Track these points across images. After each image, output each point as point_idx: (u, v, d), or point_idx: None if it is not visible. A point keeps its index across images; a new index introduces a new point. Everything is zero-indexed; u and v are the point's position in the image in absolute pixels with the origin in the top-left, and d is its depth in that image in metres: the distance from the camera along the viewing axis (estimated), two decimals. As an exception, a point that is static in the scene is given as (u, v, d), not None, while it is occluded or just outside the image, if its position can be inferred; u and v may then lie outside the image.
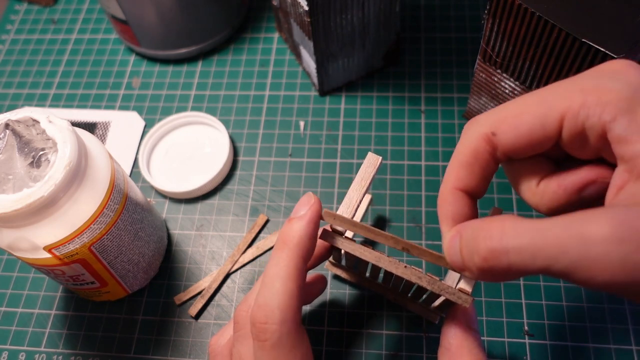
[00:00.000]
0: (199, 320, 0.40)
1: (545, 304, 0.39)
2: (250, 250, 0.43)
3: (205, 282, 0.41)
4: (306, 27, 0.43)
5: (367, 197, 0.42)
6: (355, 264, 0.37)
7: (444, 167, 0.45)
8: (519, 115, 0.24)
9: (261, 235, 0.44)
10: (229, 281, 0.42)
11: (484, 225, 0.22)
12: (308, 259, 0.29)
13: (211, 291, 0.41)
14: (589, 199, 0.24)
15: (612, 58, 0.30)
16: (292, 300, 0.27)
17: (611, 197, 0.22)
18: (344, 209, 0.31)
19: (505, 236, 0.21)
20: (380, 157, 0.32)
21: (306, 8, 0.41)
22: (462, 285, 0.28)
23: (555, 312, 0.38)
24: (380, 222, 0.43)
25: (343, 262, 0.39)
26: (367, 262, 0.33)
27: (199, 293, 0.41)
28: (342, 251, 0.35)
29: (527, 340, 0.38)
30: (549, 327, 0.38)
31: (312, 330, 0.39)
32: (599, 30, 0.31)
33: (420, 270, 0.29)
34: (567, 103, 0.23)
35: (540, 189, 0.25)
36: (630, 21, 0.31)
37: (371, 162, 0.32)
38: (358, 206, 0.31)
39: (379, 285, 0.39)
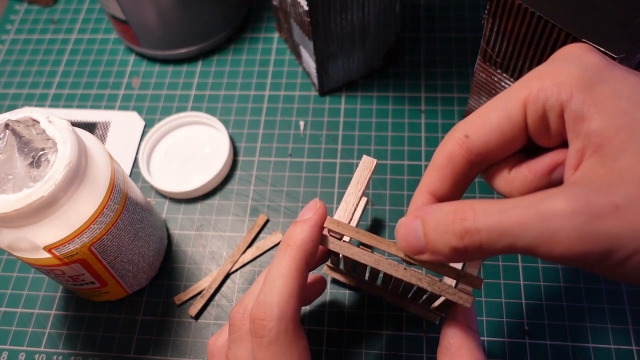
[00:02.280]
0: (199, 320, 0.40)
1: (545, 304, 0.39)
2: (250, 251, 0.43)
3: (205, 282, 0.41)
4: (306, 27, 0.43)
5: (363, 200, 0.42)
6: (353, 268, 0.37)
7: (444, 167, 0.45)
8: (487, 113, 0.25)
9: (261, 235, 0.44)
10: (229, 281, 0.42)
11: (457, 207, 0.23)
12: (310, 260, 0.29)
13: (211, 291, 0.41)
14: (559, 181, 0.25)
15: (612, 58, 0.30)
16: (292, 299, 0.27)
17: (568, 176, 0.23)
18: (342, 213, 0.31)
19: (477, 217, 0.22)
20: (375, 160, 0.32)
21: (306, 8, 0.41)
22: (463, 285, 0.28)
23: (555, 312, 0.38)
24: (380, 222, 0.43)
25: (341, 266, 0.38)
26: (365, 265, 0.33)
27: (199, 293, 0.41)
28: (340, 255, 0.35)
29: (527, 340, 0.38)
30: (549, 327, 0.38)
31: (312, 330, 0.39)
32: (598, 30, 0.31)
33: (420, 271, 0.29)
34: (527, 90, 0.24)
35: (511, 176, 0.26)
36: (630, 21, 0.31)
37: (366, 165, 0.32)
38: (355, 210, 0.31)
39: (377, 287, 0.39)
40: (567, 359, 0.37)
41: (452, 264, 0.28)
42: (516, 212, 0.22)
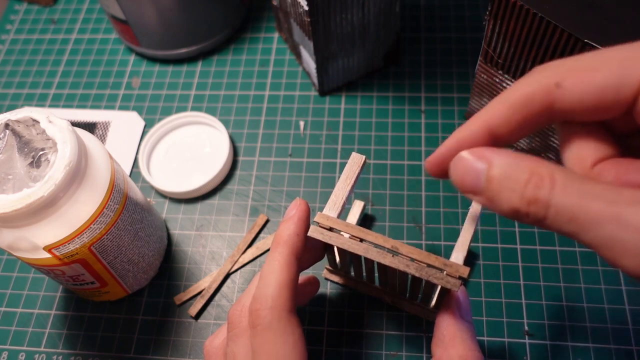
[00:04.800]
0: (199, 320, 0.40)
1: (545, 304, 0.39)
2: (250, 250, 0.43)
3: (205, 282, 0.41)
4: (306, 27, 0.43)
5: (361, 204, 0.42)
6: (349, 265, 0.37)
7: (444, 167, 0.45)
8: (593, 70, 0.22)
9: (261, 235, 0.44)
10: (229, 281, 0.42)
11: (536, 169, 0.21)
12: (298, 253, 0.31)
13: (211, 291, 0.41)
14: None
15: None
16: (283, 289, 0.29)
17: None
18: (331, 206, 0.32)
19: (554, 190, 0.20)
20: (364, 156, 0.33)
21: (306, 8, 0.41)
22: (450, 270, 0.28)
23: (555, 312, 0.38)
24: (380, 223, 0.43)
25: (339, 267, 0.39)
26: (360, 262, 0.34)
27: (199, 293, 0.41)
28: (337, 258, 0.35)
29: (527, 340, 0.38)
30: (549, 327, 0.38)
31: (312, 330, 0.39)
32: (600, 30, 0.31)
33: (407, 257, 0.29)
34: None
35: (594, 173, 0.23)
36: (631, 21, 0.31)
37: (355, 161, 0.33)
38: (343, 204, 0.32)
39: (376, 288, 0.39)
40: (567, 359, 0.37)
41: (438, 256, 0.29)
42: (596, 205, 0.19)
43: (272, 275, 0.29)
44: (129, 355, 0.39)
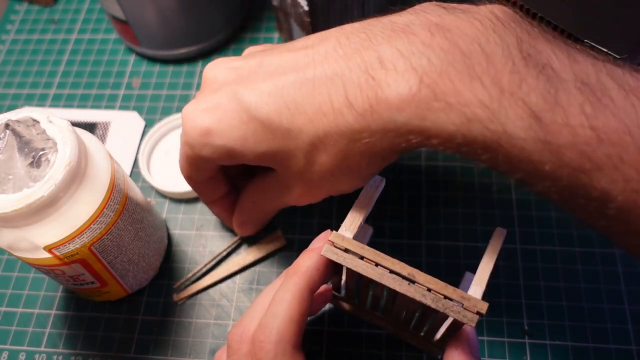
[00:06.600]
0: (199, 320, 0.40)
1: (545, 304, 0.39)
2: (250, 251, 0.43)
3: (205, 282, 0.41)
4: (306, 27, 0.43)
5: (370, 230, 0.40)
6: (355, 292, 0.36)
7: (444, 167, 0.45)
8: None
9: (261, 234, 0.43)
10: (229, 281, 0.42)
11: None
12: (314, 288, 0.30)
13: (204, 284, 0.41)
14: None
15: (616, 58, 0.30)
16: (292, 323, 0.28)
17: None
18: (347, 227, 0.31)
19: None
20: (383, 178, 0.32)
21: (306, 8, 0.41)
22: (468, 304, 0.27)
23: (555, 312, 0.38)
24: (379, 222, 0.43)
25: (342, 293, 0.37)
26: (367, 289, 0.33)
27: (199, 292, 0.41)
28: (343, 281, 0.35)
29: (527, 340, 0.38)
30: (549, 327, 0.38)
31: (312, 330, 0.39)
32: (601, 31, 0.31)
33: (424, 287, 0.28)
34: None
35: None
36: (632, 22, 0.31)
37: (374, 184, 0.32)
38: (360, 225, 0.31)
39: (379, 317, 0.37)
40: (567, 359, 0.37)
41: (455, 288, 0.28)
42: None
43: (282, 306, 0.28)
44: (129, 355, 0.39)
